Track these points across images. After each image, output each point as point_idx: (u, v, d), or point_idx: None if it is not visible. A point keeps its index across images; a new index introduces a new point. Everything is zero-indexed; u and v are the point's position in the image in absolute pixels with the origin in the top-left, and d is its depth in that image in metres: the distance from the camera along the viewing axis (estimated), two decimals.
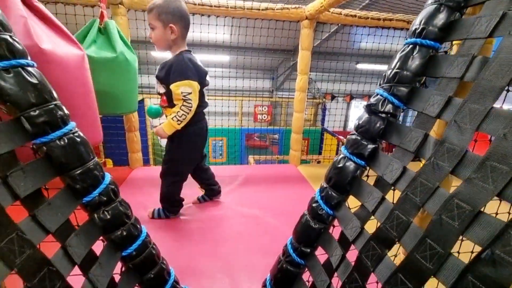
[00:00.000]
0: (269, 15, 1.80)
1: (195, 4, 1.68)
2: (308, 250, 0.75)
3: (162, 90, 1.21)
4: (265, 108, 7.58)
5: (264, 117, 7.75)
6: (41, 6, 0.81)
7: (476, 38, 0.53)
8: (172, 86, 1.14)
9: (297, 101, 2.07)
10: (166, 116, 1.24)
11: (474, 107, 0.49)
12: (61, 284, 0.49)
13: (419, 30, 0.62)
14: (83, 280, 0.56)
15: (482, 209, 0.44)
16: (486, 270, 0.40)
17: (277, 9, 1.78)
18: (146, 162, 2.12)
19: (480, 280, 0.41)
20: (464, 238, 0.45)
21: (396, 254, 0.68)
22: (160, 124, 1.22)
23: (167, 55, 1.25)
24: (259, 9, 1.76)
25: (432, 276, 0.47)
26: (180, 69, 1.14)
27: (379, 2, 2.42)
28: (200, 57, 1.29)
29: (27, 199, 0.49)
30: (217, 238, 1.25)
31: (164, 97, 1.21)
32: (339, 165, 0.71)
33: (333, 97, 7.50)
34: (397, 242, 0.55)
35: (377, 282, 0.58)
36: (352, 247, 0.65)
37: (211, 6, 1.70)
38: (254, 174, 2.04)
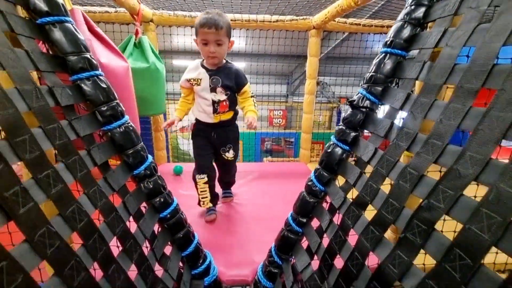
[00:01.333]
0: (279, 26, 2.00)
1: None
2: (305, 220, 0.93)
3: (223, 97, 1.27)
4: (280, 112, 7.76)
5: (279, 121, 7.94)
6: (99, 30, 1.06)
7: (427, 48, 0.69)
8: (247, 87, 1.32)
9: (306, 103, 2.24)
10: (222, 120, 1.33)
11: (424, 100, 0.65)
12: (123, 226, 0.70)
13: (389, 41, 0.79)
14: None
15: (424, 173, 0.60)
16: (424, 214, 0.56)
17: (286, 21, 1.98)
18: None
19: (421, 221, 0.56)
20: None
21: None
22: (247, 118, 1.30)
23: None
24: (270, 21, 1.97)
25: (392, 224, 0.63)
26: (243, 74, 1.33)
27: (380, 12, 2.56)
28: None
29: (101, 166, 0.71)
30: (233, 220, 1.44)
31: (225, 103, 1.29)
32: (329, 150, 0.88)
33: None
34: (371, 205, 0.71)
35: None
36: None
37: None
38: (266, 170, 2.22)
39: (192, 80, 1.27)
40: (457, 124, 0.56)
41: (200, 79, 1.26)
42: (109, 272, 0.61)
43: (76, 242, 0.61)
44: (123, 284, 0.63)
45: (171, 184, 1.84)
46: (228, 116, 1.34)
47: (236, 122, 1.43)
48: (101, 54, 1.00)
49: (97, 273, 0.60)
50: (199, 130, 1.38)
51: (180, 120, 1.35)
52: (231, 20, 1.93)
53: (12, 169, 0.47)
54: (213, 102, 1.27)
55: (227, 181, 1.59)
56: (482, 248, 0.44)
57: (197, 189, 1.39)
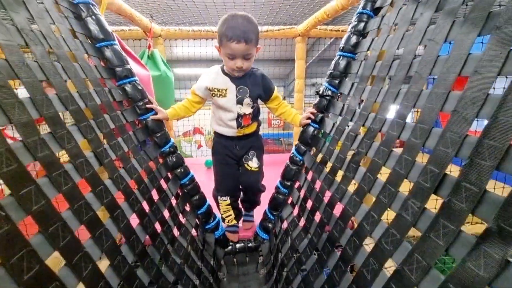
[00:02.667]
0: (269, 35, 2.32)
1: (207, 32, 2.25)
2: (289, 183, 1.23)
3: (249, 110, 1.10)
4: None
5: (278, 122, 8.26)
6: (128, 48, 1.37)
7: (363, 51, 1.00)
8: (276, 92, 1.16)
9: (296, 100, 2.55)
10: (245, 134, 1.16)
11: (360, 87, 0.96)
12: (159, 183, 1.01)
13: (341, 47, 1.10)
14: None
15: (358, 133, 0.90)
16: (356, 158, 0.86)
17: (275, 30, 2.30)
18: None
19: (353, 163, 0.86)
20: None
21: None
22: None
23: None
24: (261, 31, 2.29)
25: (343, 172, 0.93)
26: (269, 77, 1.15)
27: None
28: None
29: (141, 143, 1.02)
30: None
31: (249, 116, 1.11)
32: (304, 129, 1.18)
33: None
34: (329, 161, 1.01)
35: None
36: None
37: None
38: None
39: (215, 90, 1.07)
40: (373, 100, 0.86)
41: (226, 90, 1.06)
42: (152, 208, 0.91)
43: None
44: (161, 219, 0.94)
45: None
46: (251, 129, 1.17)
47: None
48: (131, 65, 1.32)
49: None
50: (220, 144, 1.19)
51: (167, 120, 1.14)
52: None
53: (98, 137, 0.78)
54: (238, 116, 1.10)
55: (251, 201, 1.33)
56: (378, 168, 0.74)
57: (218, 208, 1.26)
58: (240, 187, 1.26)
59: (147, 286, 0.73)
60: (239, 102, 1.07)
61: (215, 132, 1.20)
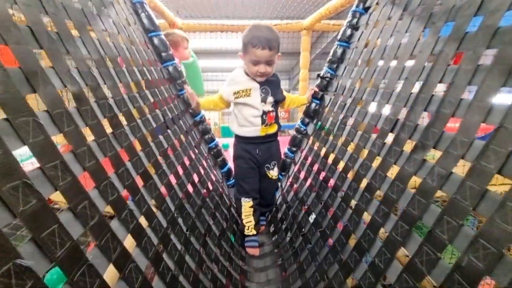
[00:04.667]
0: (278, 28, 2.58)
1: (223, 26, 2.53)
2: (294, 149, 1.53)
3: (270, 107, 1.20)
4: None
5: (283, 114, 8.54)
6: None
7: (355, 41, 1.29)
8: (287, 94, 1.33)
9: (301, 88, 2.84)
10: (267, 134, 1.24)
11: (350, 68, 1.25)
12: (195, 142, 1.31)
13: (339, 38, 1.38)
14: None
15: (347, 103, 1.19)
16: (344, 120, 1.16)
17: (283, 24, 2.57)
18: None
19: (343, 123, 1.16)
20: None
21: None
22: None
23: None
24: (270, 25, 2.56)
25: (331, 133, 1.23)
26: None
27: None
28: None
29: (181, 112, 1.33)
30: None
31: (272, 113, 1.21)
32: (308, 104, 1.48)
33: None
34: (325, 126, 1.31)
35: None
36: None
37: (237, 25, 2.54)
38: None
39: (240, 91, 1.16)
40: (358, 78, 1.15)
41: (250, 89, 1.16)
42: (191, 163, 1.22)
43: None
44: (198, 172, 1.25)
45: None
46: (273, 129, 1.26)
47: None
48: None
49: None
50: (243, 149, 1.25)
51: (198, 104, 1.26)
52: (238, 25, 2.54)
53: (160, 101, 1.08)
54: (263, 113, 1.18)
55: (267, 205, 1.43)
56: (358, 124, 1.03)
57: (240, 212, 1.28)
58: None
59: (198, 206, 1.04)
60: (263, 100, 1.17)
61: (236, 137, 1.27)
